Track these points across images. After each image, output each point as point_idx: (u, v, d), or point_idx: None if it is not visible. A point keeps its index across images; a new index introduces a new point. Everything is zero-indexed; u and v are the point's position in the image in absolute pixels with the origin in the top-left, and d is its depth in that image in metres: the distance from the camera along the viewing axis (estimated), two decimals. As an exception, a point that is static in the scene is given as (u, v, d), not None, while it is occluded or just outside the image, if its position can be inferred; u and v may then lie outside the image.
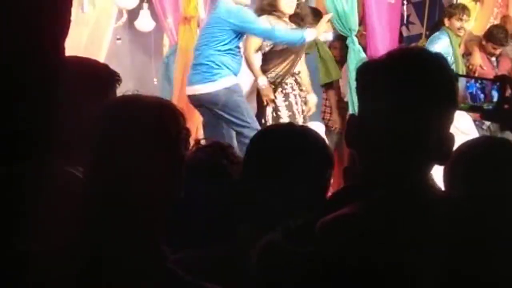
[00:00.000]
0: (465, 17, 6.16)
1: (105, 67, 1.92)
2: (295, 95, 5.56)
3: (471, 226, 1.31)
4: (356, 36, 6.02)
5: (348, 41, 6.01)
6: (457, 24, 6.14)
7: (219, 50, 5.17)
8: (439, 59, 1.37)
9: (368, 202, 1.32)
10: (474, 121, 6.10)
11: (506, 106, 1.66)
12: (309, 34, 5.37)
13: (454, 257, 1.27)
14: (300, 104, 5.57)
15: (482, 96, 1.67)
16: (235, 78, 5.28)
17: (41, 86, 1.31)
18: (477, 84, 1.67)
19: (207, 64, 5.20)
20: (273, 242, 1.41)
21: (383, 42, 6.13)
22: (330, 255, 1.27)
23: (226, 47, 5.17)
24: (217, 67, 5.17)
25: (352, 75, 5.92)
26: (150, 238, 1.37)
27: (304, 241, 1.31)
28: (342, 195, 1.39)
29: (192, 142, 1.78)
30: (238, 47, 5.33)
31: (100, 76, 1.85)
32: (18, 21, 1.27)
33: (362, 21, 6.21)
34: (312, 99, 5.70)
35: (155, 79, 7.55)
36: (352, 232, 1.28)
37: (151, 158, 1.36)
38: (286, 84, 5.55)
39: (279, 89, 5.54)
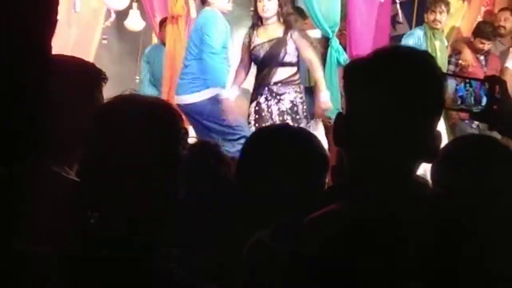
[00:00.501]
0: (439, 8, 6.16)
1: (91, 66, 1.92)
2: (268, 106, 5.50)
3: (456, 223, 1.32)
4: (336, 35, 5.97)
5: (330, 41, 5.92)
6: (431, 16, 6.18)
7: (202, 60, 5.19)
8: (426, 57, 1.37)
9: (354, 200, 1.32)
10: (463, 120, 6.13)
11: (495, 107, 1.67)
12: (225, 91, 5.28)
13: (440, 253, 1.27)
14: (277, 113, 5.46)
15: (472, 98, 1.68)
16: (220, 89, 5.27)
17: (29, 86, 1.30)
18: (467, 86, 1.68)
19: (192, 74, 5.25)
20: (259, 240, 1.41)
21: (367, 42, 6.09)
22: (314, 253, 1.27)
23: (210, 56, 5.18)
24: (201, 77, 5.20)
25: (332, 75, 5.84)
26: (149, 239, 1.37)
27: (290, 239, 1.31)
28: (331, 194, 1.39)
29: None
30: (225, 57, 5.33)
31: (86, 74, 1.84)
32: (5, 21, 1.26)
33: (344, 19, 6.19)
34: (321, 97, 5.50)
35: (136, 77, 7.55)
36: (336, 230, 1.28)
37: (149, 158, 1.35)
38: (261, 95, 5.50)
39: (253, 102, 5.54)
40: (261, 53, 5.49)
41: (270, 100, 5.49)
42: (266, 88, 5.50)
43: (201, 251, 1.76)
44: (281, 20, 5.46)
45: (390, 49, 1.42)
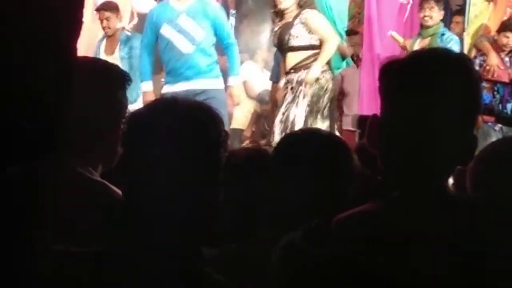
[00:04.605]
0: (427, 4, 6.14)
1: (115, 68, 1.93)
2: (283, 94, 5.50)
3: (489, 228, 1.31)
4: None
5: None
6: (421, 14, 6.20)
7: None
8: (464, 60, 1.37)
9: (385, 201, 1.32)
10: (486, 122, 6.08)
11: None
12: None
13: (469, 257, 1.26)
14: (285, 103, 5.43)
15: (499, 104, 1.71)
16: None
17: (54, 86, 1.31)
18: (494, 92, 1.71)
19: None
20: (292, 242, 1.40)
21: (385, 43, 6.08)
22: (351, 255, 1.26)
23: None
24: None
25: None
26: (188, 240, 1.36)
27: (322, 241, 1.31)
28: (364, 195, 1.38)
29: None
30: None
31: (110, 76, 1.85)
32: (30, 22, 1.27)
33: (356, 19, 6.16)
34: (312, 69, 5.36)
35: (162, 79, 7.54)
36: (365, 232, 1.28)
37: (190, 161, 1.34)
38: (282, 83, 5.52)
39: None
40: (275, 40, 5.49)
41: (285, 88, 5.44)
42: (285, 76, 5.46)
43: (220, 250, 1.76)
44: (297, 5, 5.36)
45: (427, 52, 1.42)
